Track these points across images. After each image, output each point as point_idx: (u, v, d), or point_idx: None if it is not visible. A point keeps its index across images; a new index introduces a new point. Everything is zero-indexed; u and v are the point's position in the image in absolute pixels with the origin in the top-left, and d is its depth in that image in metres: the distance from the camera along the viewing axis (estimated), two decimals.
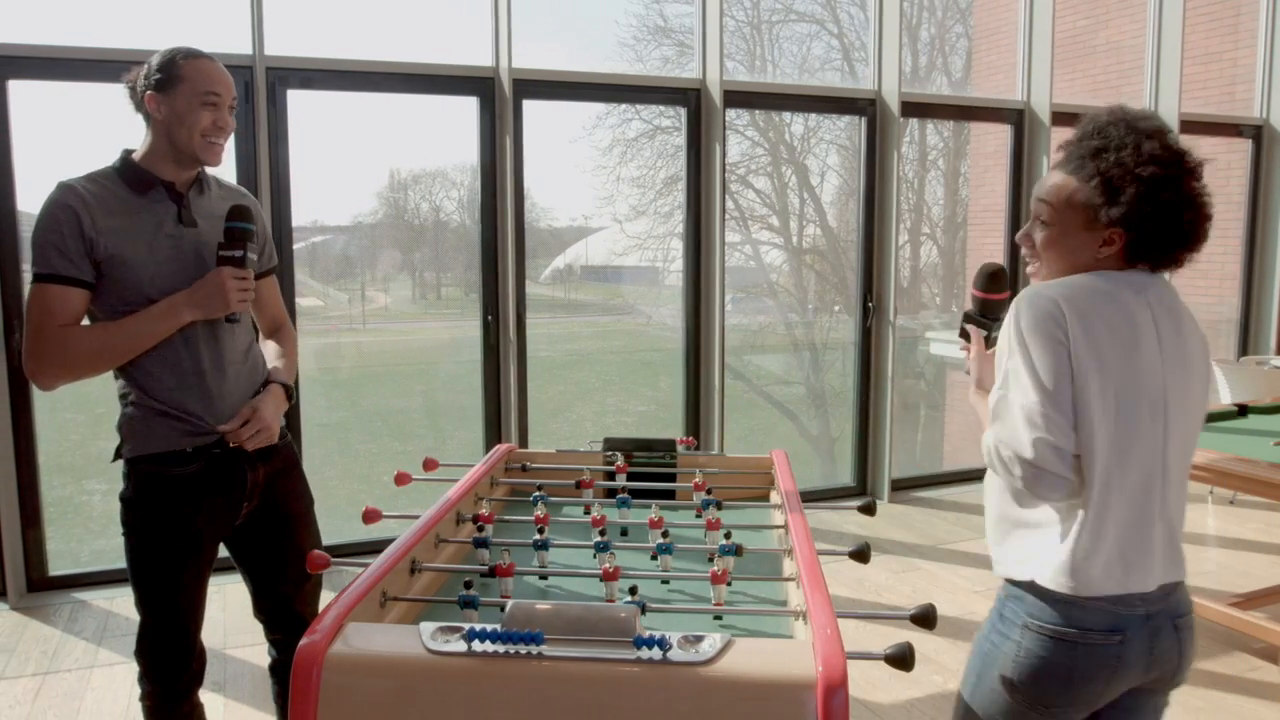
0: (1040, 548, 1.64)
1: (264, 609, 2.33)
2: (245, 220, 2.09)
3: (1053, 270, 1.70)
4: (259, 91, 4.30)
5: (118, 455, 2.14)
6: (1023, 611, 1.64)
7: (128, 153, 2.12)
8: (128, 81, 2.12)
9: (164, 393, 2.08)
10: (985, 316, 1.91)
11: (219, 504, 2.16)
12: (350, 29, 5.79)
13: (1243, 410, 4.32)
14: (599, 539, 2.00)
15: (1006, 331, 1.61)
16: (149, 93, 2.05)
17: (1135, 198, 1.57)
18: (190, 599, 2.15)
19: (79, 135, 4.55)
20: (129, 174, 2.08)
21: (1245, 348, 7.05)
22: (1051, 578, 1.60)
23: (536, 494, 2.36)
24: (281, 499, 2.28)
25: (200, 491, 2.12)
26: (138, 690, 2.18)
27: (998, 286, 1.90)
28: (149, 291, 2.04)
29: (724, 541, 1.94)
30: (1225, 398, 5.60)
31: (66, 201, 1.99)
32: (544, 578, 2.01)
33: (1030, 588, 1.64)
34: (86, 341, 2.01)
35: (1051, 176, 1.70)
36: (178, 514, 2.10)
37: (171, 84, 2.04)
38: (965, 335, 1.92)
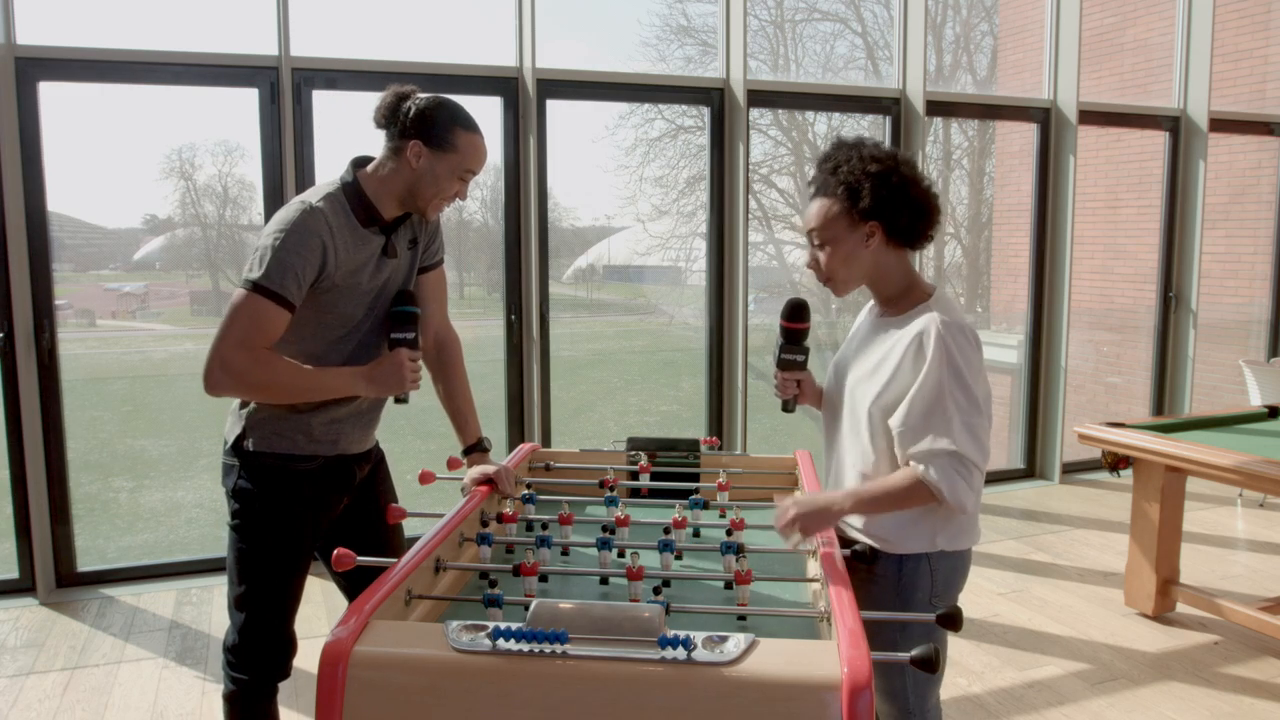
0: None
1: None
2: (412, 304, 2.13)
3: (846, 277, 1.98)
4: (284, 92, 4.33)
5: (237, 446, 2.14)
6: None
7: (358, 168, 2.13)
8: (388, 103, 2.10)
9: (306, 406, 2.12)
10: (792, 344, 2.13)
11: (330, 500, 2.23)
12: (375, 30, 5.83)
13: (1273, 412, 4.27)
14: (623, 538, 2.00)
15: (942, 358, 1.81)
16: (416, 141, 2.04)
17: (872, 190, 1.89)
18: (294, 593, 2.21)
19: (108, 135, 4.61)
20: (357, 205, 2.09)
21: (1275, 348, 6.96)
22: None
23: (527, 493, 2.36)
24: (374, 494, 2.36)
25: (316, 487, 2.18)
26: (221, 687, 2.21)
27: (802, 317, 2.12)
28: (345, 313, 2.11)
29: (725, 539, 1.95)
30: (1255, 399, 5.53)
31: (318, 232, 2.00)
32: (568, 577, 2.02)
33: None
34: (278, 374, 2.00)
35: (810, 207, 1.99)
36: (296, 509, 2.15)
37: (443, 148, 2.05)
38: (783, 365, 2.14)
